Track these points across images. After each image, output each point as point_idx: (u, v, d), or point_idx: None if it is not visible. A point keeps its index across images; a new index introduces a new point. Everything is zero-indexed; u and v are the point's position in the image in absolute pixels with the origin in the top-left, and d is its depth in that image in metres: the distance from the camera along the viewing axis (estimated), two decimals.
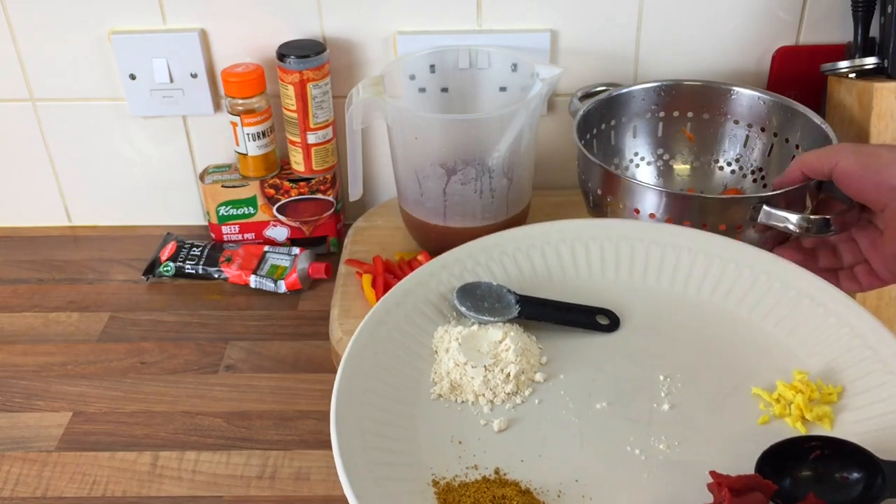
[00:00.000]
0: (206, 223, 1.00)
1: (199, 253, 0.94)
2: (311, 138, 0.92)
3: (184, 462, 0.73)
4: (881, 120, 0.83)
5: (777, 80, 0.94)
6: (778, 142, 0.87)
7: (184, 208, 1.04)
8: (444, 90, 0.92)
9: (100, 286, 0.95)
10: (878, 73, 0.85)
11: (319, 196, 0.95)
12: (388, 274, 0.84)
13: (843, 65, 0.86)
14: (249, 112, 0.90)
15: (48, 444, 0.75)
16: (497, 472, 0.49)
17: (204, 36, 0.93)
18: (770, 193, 0.68)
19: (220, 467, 0.72)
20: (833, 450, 0.49)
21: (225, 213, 0.96)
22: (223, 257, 0.93)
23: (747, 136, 0.89)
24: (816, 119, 0.82)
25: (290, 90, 0.89)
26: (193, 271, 0.93)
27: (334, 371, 0.80)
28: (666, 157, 0.93)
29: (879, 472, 0.46)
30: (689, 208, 0.68)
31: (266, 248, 0.95)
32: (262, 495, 0.70)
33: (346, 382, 0.52)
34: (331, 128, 0.93)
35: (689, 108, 0.91)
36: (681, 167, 0.93)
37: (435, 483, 0.48)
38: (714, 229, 0.66)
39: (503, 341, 0.56)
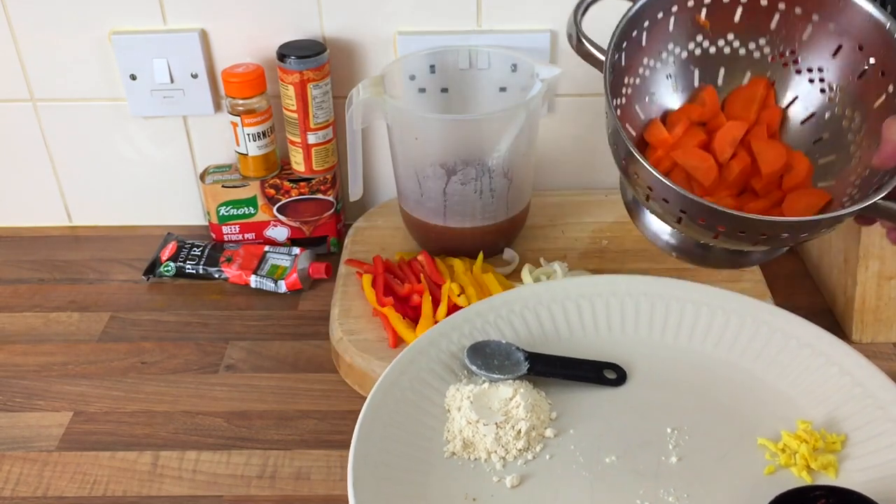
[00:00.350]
0: (207, 223, 1.00)
1: (199, 253, 0.94)
2: (312, 138, 0.92)
3: (184, 462, 0.73)
4: None
5: None
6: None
7: (184, 208, 1.04)
8: (444, 90, 0.92)
9: (100, 286, 0.95)
10: None
11: (320, 196, 0.95)
12: (388, 274, 0.84)
13: None
14: (250, 112, 0.90)
15: (49, 444, 0.75)
16: None
17: (204, 36, 0.93)
18: (865, 204, 0.52)
19: (220, 467, 0.72)
20: (838, 499, 0.49)
21: (225, 214, 0.96)
22: (223, 257, 0.93)
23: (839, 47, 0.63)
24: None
25: (291, 90, 0.89)
26: (194, 271, 0.93)
27: (334, 371, 0.81)
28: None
29: None
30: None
31: (266, 248, 0.95)
32: (263, 495, 0.70)
33: (362, 442, 0.54)
34: (331, 128, 0.93)
35: None
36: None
37: None
38: None
39: (513, 398, 0.57)
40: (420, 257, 0.86)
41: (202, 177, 0.96)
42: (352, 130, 0.84)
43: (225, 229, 0.97)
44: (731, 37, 0.64)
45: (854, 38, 0.59)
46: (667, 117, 0.64)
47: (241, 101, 0.90)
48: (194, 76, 0.94)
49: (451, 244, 0.88)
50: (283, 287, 0.91)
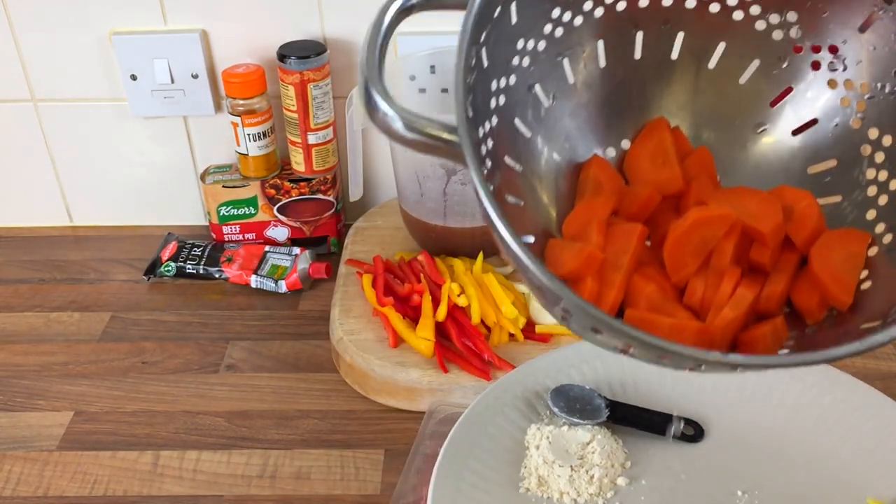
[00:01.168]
0: (207, 223, 1.00)
1: (199, 253, 0.95)
2: (312, 139, 0.92)
3: (185, 461, 0.73)
4: None
5: None
6: None
7: (185, 208, 1.04)
8: (445, 91, 0.92)
9: (101, 286, 0.95)
10: None
11: (320, 196, 0.96)
12: (388, 274, 0.84)
13: None
14: (250, 112, 0.90)
15: (49, 444, 0.75)
16: None
17: (205, 36, 0.93)
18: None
19: (220, 467, 0.72)
20: None
21: (226, 214, 0.96)
22: (224, 257, 0.94)
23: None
24: None
25: (291, 91, 0.89)
26: (194, 271, 0.93)
27: (335, 371, 0.81)
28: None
29: None
30: None
31: (267, 248, 0.95)
32: (263, 494, 0.70)
33: (444, 469, 0.55)
34: (331, 128, 0.93)
35: None
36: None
37: None
38: None
39: (590, 443, 0.58)
40: (420, 257, 0.86)
41: (203, 177, 0.96)
42: (352, 131, 0.84)
43: (225, 229, 0.97)
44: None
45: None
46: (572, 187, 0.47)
47: (241, 102, 0.90)
48: (195, 76, 0.94)
49: (451, 244, 0.88)
50: (283, 287, 0.91)
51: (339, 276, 0.88)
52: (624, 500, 0.56)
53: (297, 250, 0.94)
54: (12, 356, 0.85)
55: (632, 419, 0.60)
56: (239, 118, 0.90)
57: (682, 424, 0.59)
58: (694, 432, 0.59)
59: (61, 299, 0.93)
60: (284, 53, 0.88)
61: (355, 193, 0.89)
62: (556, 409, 0.60)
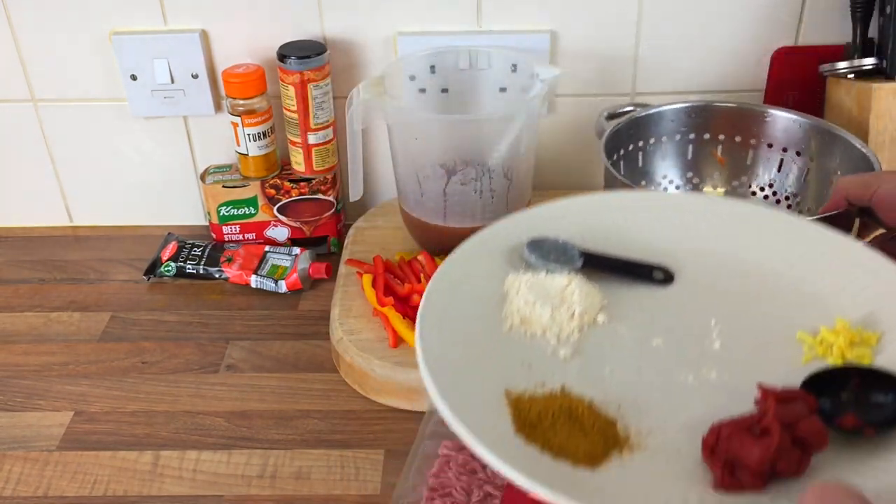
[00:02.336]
0: (207, 223, 1.00)
1: (199, 253, 0.95)
2: (312, 139, 0.92)
3: (185, 461, 0.73)
4: (880, 120, 0.83)
5: (776, 80, 0.94)
6: (815, 167, 0.84)
7: (185, 208, 1.04)
8: (445, 91, 0.92)
9: (101, 286, 0.95)
10: (876, 74, 0.86)
11: (320, 196, 0.96)
12: (388, 274, 0.84)
13: (842, 65, 0.86)
14: (250, 112, 0.90)
15: (49, 444, 0.75)
16: (563, 388, 0.54)
17: (205, 36, 0.93)
18: (812, 218, 0.66)
19: (220, 467, 0.72)
20: (872, 378, 0.51)
21: (226, 214, 0.96)
22: (224, 257, 0.94)
23: (782, 161, 0.86)
24: (857, 144, 0.79)
25: (291, 91, 0.89)
26: (194, 271, 0.93)
27: (335, 371, 0.81)
28: (696, 180, 0.91)
29: None
30: None
31: (267, 248, 0.95)
32: (263, 494, 0.70)
33: (428, 306, 0.57)
34: (331, 128, 0.93)
35: (720, 131, 0.88)
36: (711, 191, 0.90)
37: (507, 394, 0.53)
38: None
39: (568, 286, 0.61)
40: (420, 257, 0.86)
41: (203, 177, 0.96)
42: (352, 131, 0.84)
43: (225, 229, 0.97)
44: None
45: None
46: None
47: (241, 102, 0.90)
48: (195, 76, 0.94)
49: (451, 244, 0.87)
50: (283, 287, 0.91)
51: (339, 276, 0.88)
52: (605, 333, 0.59)
53: (297, 250, 0.94)
54: (12, 356, 0.85)
55: (605, 265, 0.63)
56: (239, 118, 0.90)
57: (654, 270, 0.63)
58: (664, 277, 0.63)
59: (61, 299, 0.93)
60: (284, 53, 0.88)
61: (355, 193, 0.89)
62: (532, 258, 0.63)
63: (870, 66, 0.85)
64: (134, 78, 0.94)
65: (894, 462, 0.47)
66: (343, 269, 0.89)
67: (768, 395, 0.48)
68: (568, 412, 0.52)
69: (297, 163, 0.94)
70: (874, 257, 0.61)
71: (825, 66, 0.88)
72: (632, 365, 0.56)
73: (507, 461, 0.45)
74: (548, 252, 0.63)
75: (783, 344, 0.58)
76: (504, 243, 0.65)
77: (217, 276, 0.93)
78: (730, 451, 0.46)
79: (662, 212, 0.68)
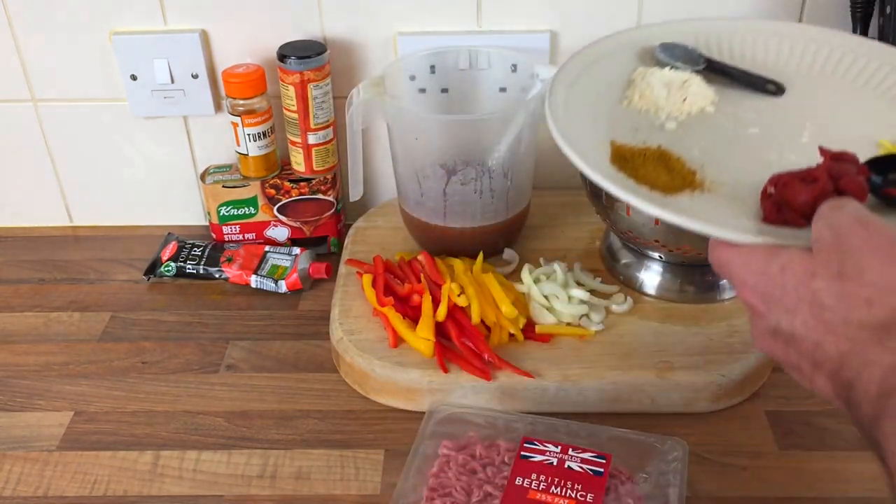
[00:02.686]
0: (207, 223, 1.00)
1: (199, 253, 0.95)
2: (312, 139, 0.92)
3: (185, 461, 0.73)
4: None
5: None
6: None
7: (185, 208, 1.04)
8: (445, 91, 0.92)
9: (101, 286, 0.95)
10: None
11: (320, 196, 0.96)
12: (388, 274, 0.84)
13: None
14: (250, 112, 0.90)
15: (49, 444, 0.75)
16: (659, 146, 0.63)
17: (205, 36, 0.93)
18: None
19: (220, 466, 0.72)
20: None
21: (226, 214, 0.96)
22: (224, 257, 0.94)
23: None
24: None
25: (291, 91, 0.89)
26: (194, 271, 0.93)
27: (335, 371, 0.81)
28: None
29: None
30: None
31: (267, 248, 0.95)
32: (263, 494, 0.70)
33: (563, 70, 0.68)
34: (331, 128, 0.93)
35: None
36: None
37: (612, 142, 0.63)
38: None
39: (688, 80, 0.69)
40: (420, 257, 0.86)
41: (203, 177, 0.96)
42: (352, 131, 0.84)
43: (225, 229, 0.97)
44: None
45: None
46: None
47: (241, 102, 0.90)
48: (195, 76, 0.94)
49: (451, 244, 0.88)
50: (283, 287, 0.91)
51: (339, 276, 0.88)
52: (710, 120, 0.67)
53: (297, 250, 0.94)
54: (12, 356, 0.85)
55: (725, 72, 0.71)
56: (239, 118, 0.90)
57: (768, 83, 0.71)
58: (776, 89, 0.70)
59: (61, 299, 0.93)
60: (284, 53, 0.88)
61: (355, 193, 0.89)
62: (662, 56, 0.71)
63: None
64: (134, 78, 0.94)
65: None
66: (343, 269, 0.89)
67: (825, 152, 0.54)
68: (657, 156, 0.61)
69: (297, 163, 0.94)
70: None
71: None
72: (725, 142, 0.64)
73: (597, 172, 0.57)
74: (677, 54, 0.71)
75: (865, 145, 0.61)
76: (638, 45, 0.73)
77: (217, 276, 0.93)
78: (782, 195, 0.53)
79: (781, 38, 0.75)
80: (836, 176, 0.52)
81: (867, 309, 0.42)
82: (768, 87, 0.70)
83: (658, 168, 0.60)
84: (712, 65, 0.71)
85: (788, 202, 0.52)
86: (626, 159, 0.60)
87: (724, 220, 0.54)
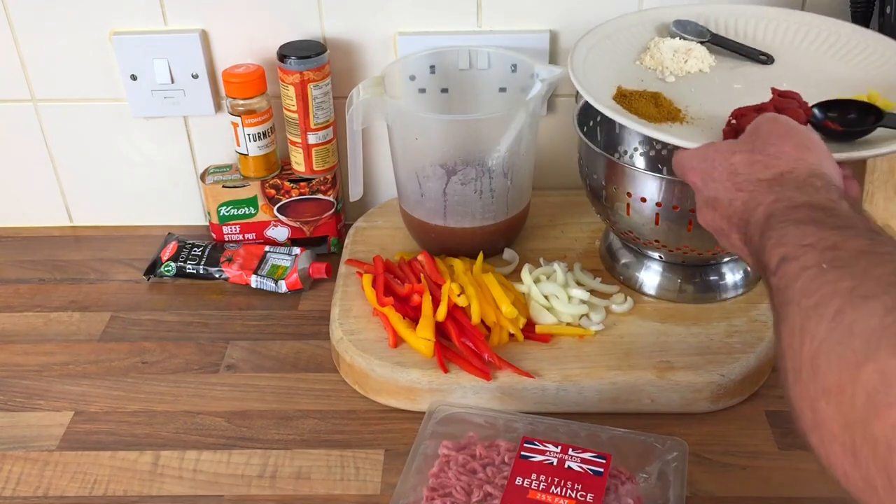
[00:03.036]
0: (207, 223, 1.00)
1: (200, 253, 0.95)
2: (312, 139, 0.92)
3: (185, 461, 0.73)
4: None
5: None
6: None
7: (185, 208, 1.04)
8: (444, 91, 0.92)
9: (101, 286, 0.95)
10: None
11: (320, 196, 0.96)
12: (388, 274, 0.84)
13: None
14: (250, 112, 0.90)
15: (49, 444, 0.75)
16: (655, 92, 0.75)
17: (205, 37, 0.93)
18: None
19: (220, 466, 0.72)
20: (864, 108, 0.69)
21: (226, 214, 0.96)
22: (224, 257, 0.94)
23: None
24: None
25: (291, 91, 0.89)
26: (194, 271, 0.93)
27: (335, 371, 0.81)
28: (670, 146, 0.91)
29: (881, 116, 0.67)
30: (688, 195, 0.72)
31: (267, 248, 0.95)
32: (263, 494, 0.70)
33: (587, 36, 0.81)
34: (331, 128, 0.93)
35: None
36: None
37: (619, 88, 0.76)
38: None
39: (693, 48, 0.81)
40: (420, 257, 0.86)
41: (203, 177, 0.96)
42: (352, 131, 0.84)
43: (225, 229, 0.97)
44: None
45: None
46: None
47: (241, 102, 0.90)
48: (195, 76, 0.94)
49: (451, 244, 0.88)
50: (283, 287, 0.91)
51: (339, 276, 0.88)
52: (704, 77, 0.79)
53: (297, 250, 0.94)
54: (12, 356, 0.85)
55: (724, 44, 0.83)
56: (239, 118, 0.90)
57: (760, 54, 0.81)
58: (767, 59, 0.81)
59: (61, 299, 0.93)
60: (284, 53, 0.88)
61: (355, 194, 0.89)
62: (673, 29, 0.83)
63: None
64: (134, 78, 0.94)
65: (842, 146, 0.66)
66: (343, 269, 0.89)
67: (774, 90, 0.67)
68: (650, 96, 0.74)
69: (297, 163, 0.94)
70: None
71: None
72: (711, 93, 0.76)
73: (599, 102, 0.71)
74: (688, 28, 0.83)
75: (848, 93, 0.72)
76: (658, 21, 0.85)
77: (217, 276, 0.93)
78: (739, 123, 0.65)
79: (777, 21, 0.86)
80: (780, 108, 0.65)
81: (765, 170, 0.55)
82: (760, 58, 0.81)
83: (649, 104, 0.73)
84: (715, 38, 0.83)
85: (742, 127, 0.63)
86: (625, 97, 0.74)
87: (690, 139, 0.67)
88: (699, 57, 0.80)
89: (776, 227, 0.50)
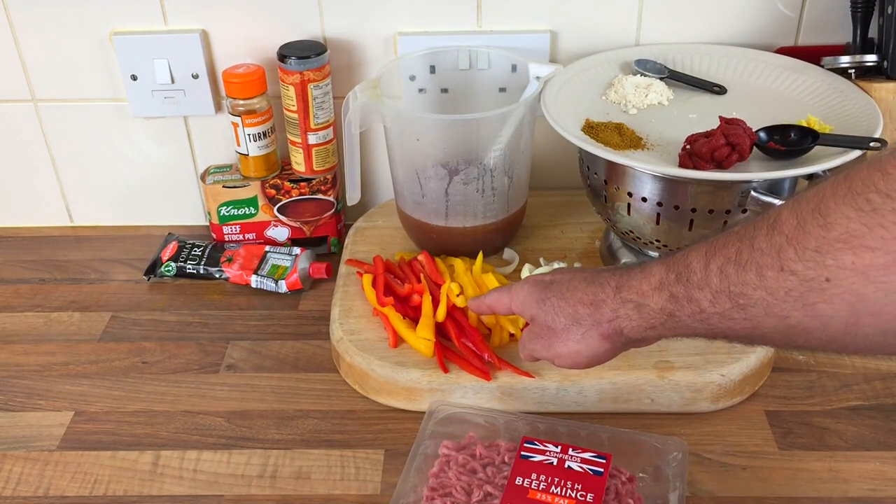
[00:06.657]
0: (208, 223, 1.00)
1: (200, 253, 0.95)
2: (312, 139, 0.92)
3: (185, 461, 0.73)
4: None
5: None
6: None
7: (185, 208, 1.04)
8: (444, 91, 0.92)
9: (101, 286, 0.95)
10: (877, 74, 0.85)
11: (320, 196, 0.96)
12: (388, 274, 0.84)
13: (845, 59, 0.86)
14: (250, 113, 0.90)
15: (50, 444, 0.75)
16: (619, 123, 0.82)
17: (205, 37, 0.93)
18: (758, 178, 0.73)
19: (221, 466, 0.72)
20: (803, 131, 0.77)
21: (226, 214, 0.96)
22: (224, 257, 0.94)
23: None
24: None
25: (291, 91, 0.89)
26: (194, 271, 0.93)
27: (335, 371, 0.81)
28: None
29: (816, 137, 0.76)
30: (682, 192, 0.75)
31: (267, 248, 0.95)
32: (263, 494, 0.70)
33: (558, 73, 0.87)
34: (331, 128, 0.93)
35: None
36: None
37: (587, 120, 0.83)
38: (704, 213, 0.75)
39: (653, 83, 0.87)
40: (420, 257, 0.86)
41: (203, 177, 0.96)
42: (349, 134, 0.84)
43: (226, 229, 0.97)
44: None
45: None
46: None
47: (241, 102, 0.90)
48: (195, 77, 0.94)
49: (452, 244, 0.88)
50: (283, 287, 0.91)
51: (339, 276, 0.88)
52: (663, 109, 0.86)
53: (297, 250, 0.94)
54: (12, 356, 0.85)
55: (681, 79, 0.90)
56: (239, 118, 0.90)
57: (714, 86, 0.88)
58: (720, 90, 0.88)
59: (61, 299, 0.93)
60: (284, 53, 0.88)
61: (353, 198, 0.89)
62: (635, 67, 0.90)
63: (872, 63, 0.85)
64: (134, 78, 0.94)
65: (786, 164, 0.75)
66: (343, 269, 0.89)
67: (721, 119, 0.76)
68: (614, 126, 0.81)
69: (297, 163, 0.94)
70: (844, 87, 0.85)
71: (827, 59, 0.87)
72: (669, 122, 0.83)
73: (569, 133, 0.77)
74: (648, 66, 0.89)
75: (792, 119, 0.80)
76: (621, 60, 0.92)
77: (217, 276, 0.93)
78: (692, 148, 0.74)
79: (715, 59, 0.93)
80: (727, 134, 0.73)
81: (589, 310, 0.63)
82: (714, 89, 0.88)
83: (613, 134, 0.80)
84: (673, 74, 0.90)
85: (695, 152, 0.73)
86: (592, 127, 0.81)
87: (650, 163, 0.75)
88: (658, 91, 0.87)
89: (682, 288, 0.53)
